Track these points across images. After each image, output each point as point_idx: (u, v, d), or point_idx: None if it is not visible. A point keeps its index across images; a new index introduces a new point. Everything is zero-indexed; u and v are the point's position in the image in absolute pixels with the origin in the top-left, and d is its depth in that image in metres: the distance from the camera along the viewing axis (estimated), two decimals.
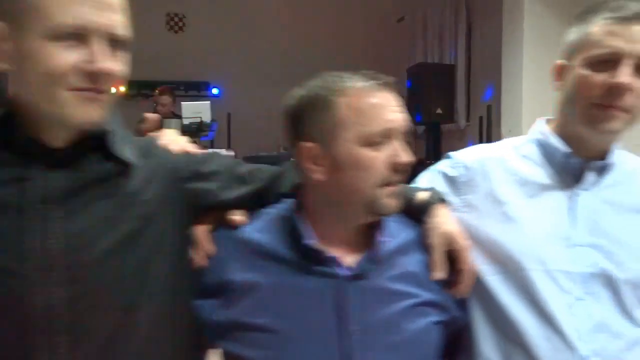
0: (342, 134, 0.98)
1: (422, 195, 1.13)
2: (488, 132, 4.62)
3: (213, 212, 1.06)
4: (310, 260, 1.02)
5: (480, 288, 1.13)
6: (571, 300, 1.09)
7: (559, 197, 1.16)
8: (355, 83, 1.00)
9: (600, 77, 1.07)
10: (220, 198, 1.05)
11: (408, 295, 1.05)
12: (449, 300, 1.10)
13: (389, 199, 1.01)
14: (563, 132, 1.18)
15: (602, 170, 1.17)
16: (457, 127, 5.88)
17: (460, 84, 5.85)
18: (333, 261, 1.02)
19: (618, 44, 1.06)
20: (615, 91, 1.06)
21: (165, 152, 1.03)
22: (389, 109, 1.00)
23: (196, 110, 3.07)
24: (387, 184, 1.00)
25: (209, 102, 3.21)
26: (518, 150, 1.24)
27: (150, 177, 0.97)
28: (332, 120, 0.99)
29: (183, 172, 1.02)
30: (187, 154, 1.06)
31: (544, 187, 1.17)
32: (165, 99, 4.56)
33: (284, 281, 1.02)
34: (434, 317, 1.07)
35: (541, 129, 1.23)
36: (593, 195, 1.16)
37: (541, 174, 1.19)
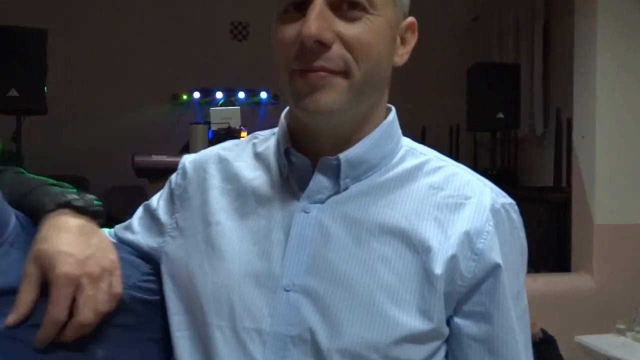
0: None
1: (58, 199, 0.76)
2: (568, 139, 4.08)
3: None
4: None
5: (171, 348, 0.80)
6: None
7: (278, 215, 0.78)
8: None
9: (292, 30, 0.73)
10: None
11: None
12: None
13: None
14: (294, 120, 0.81)
15: (337, 172, 0.78)
16: (534, 133, 5.38)
17: (537, 86, 5.39)
18: None
19: None
20: (307, 47, 0.70)
21: None
22: None
23: (225, 115, 2.95)
24: None
25: (238, 107, 3.11)
26: (255, 146, 0.87)
27: None
28: None
29: None
30: None
31: (265, 200, 0.80)
32: None
33: None
34: None
35: (283, 115, 0.85)
36: (327, 211, 0.77)
37: (266, 181, 0.82)
